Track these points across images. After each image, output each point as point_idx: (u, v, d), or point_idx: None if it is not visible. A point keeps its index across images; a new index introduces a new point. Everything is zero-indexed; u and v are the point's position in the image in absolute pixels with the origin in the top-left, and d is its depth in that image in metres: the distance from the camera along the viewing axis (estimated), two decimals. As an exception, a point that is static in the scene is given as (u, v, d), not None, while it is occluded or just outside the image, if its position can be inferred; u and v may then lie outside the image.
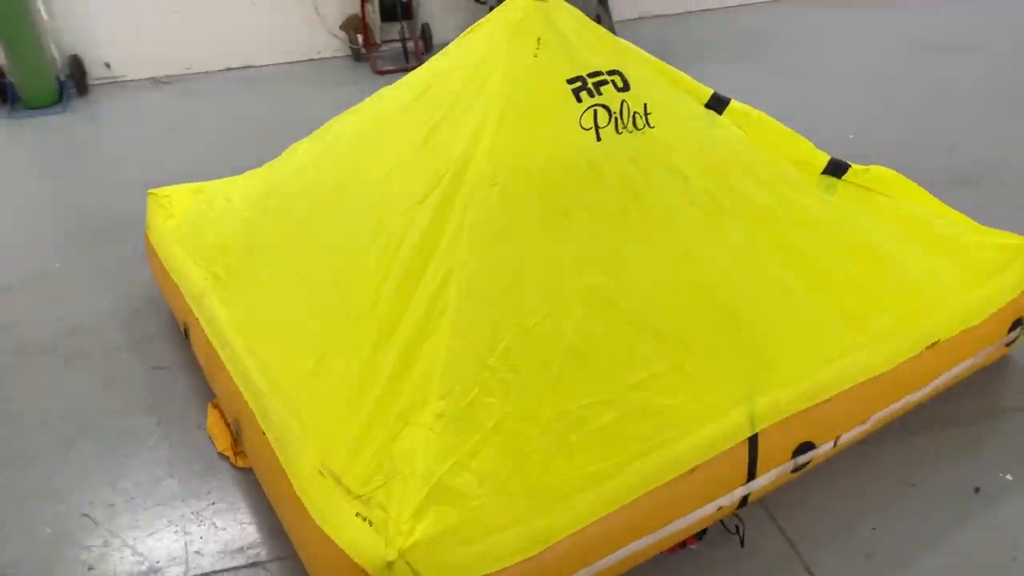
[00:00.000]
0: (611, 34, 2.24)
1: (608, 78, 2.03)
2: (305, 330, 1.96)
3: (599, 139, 1.98)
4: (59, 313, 2.72)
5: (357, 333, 1.82)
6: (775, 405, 1.80)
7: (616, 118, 2.01)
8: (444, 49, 2.25)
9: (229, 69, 4.92)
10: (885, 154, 2.73)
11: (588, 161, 1.96)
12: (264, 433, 1.85)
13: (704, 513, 1.73)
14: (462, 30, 2.22)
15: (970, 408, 2.17)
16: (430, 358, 1.71)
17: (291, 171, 2.43)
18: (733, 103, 2.21)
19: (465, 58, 2.13)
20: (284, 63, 4.98)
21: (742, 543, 1.83)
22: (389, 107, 2.28)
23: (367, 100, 2.40)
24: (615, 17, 5.16)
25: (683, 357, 1.83)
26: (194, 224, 2.56)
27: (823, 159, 2.21)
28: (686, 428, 1.73)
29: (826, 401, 1.85)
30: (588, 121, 1.98)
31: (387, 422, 1.66)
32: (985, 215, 2.35)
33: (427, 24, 5.02)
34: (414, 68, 2.36)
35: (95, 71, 4.70)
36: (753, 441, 1.75)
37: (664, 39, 4.99)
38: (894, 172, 2.28)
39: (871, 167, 2.27)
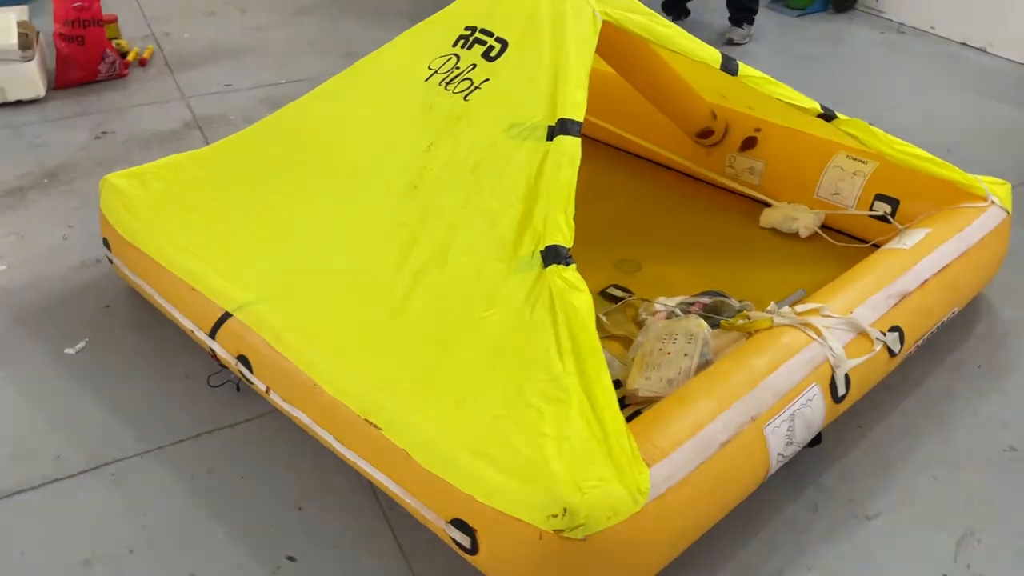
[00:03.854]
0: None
1: (491, 42, 2.17)
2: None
3: (426, 80, 2.21)
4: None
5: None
6: (256, 317, 2.04)
7: (454, 72, 2.18)
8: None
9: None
10: None
11: (410, 88, 2.24)
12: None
13: (185, 323, 2.22)
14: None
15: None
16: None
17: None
18: (566, 139, 1.94)
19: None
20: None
21: (208, 381, 2.23)
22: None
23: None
24: None
25: (272, 244, 2.20)
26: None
27: (549, 241, 1.82)
28: (223, 269, 2.19)
29: (282, 357, 1.96)
30: (437, 63, 2.23)
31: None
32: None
33: None
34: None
35: (867, -1, 4.94)
36: (225, 316, 2.09)
37: None
38: (590, 320, 1.70)
39: (581, 294, 1.74)
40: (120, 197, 2.46)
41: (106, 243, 2.49)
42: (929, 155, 2.42)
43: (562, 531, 1.49)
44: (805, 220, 2.74)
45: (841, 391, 1.93)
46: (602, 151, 3.30)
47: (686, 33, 2.24)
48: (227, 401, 2.19)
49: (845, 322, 1.99)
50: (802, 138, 2.79)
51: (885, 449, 2.08)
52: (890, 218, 2.58)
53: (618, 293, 2.50)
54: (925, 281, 2.16)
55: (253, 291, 2.08)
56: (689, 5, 4.77)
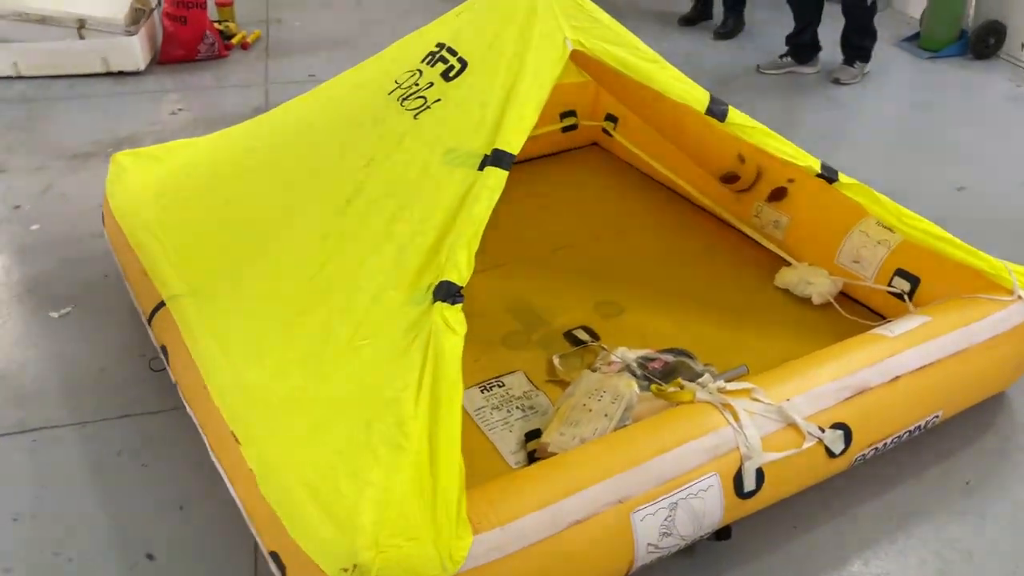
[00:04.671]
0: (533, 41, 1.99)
1: (453, 61, 2.10)
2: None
3: (389, 94, 2.16)
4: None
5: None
6: (181, 309, 2.06)
7: (412, 89, 2.12)
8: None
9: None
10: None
11: (372, 101, 2.19)
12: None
13: (135, 304, 2.28)
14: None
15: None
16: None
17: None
18: (494, 171, 1.82)
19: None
20: None
21: (149, 365, 2.28)
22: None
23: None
24: None
25: (217, 240, 2.21)
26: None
27: (444, 276, 1.72)
28: (172, 257, 2.21)
29: (187, 354, 1.98)
30: (403, 78, 2.18)
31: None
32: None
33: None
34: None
35: (1011, 46, 4.44)
36: (160, 304, 2.13)
37: None
38: (455, 366, 1.60)
39: (454, 337, 1.63)
40: (120, 174, 2.56)
41: (103, 217, 2.59)
42: (945, 234, 2.12)
43: (350, 587, 1.40)
44: (820, 286, 2.48)
45: (749, 486, 1.72)
46: (640, 181, 3.14)
47: (673, 70, 2.06)
48: (161, 387, 2.22)
49: (775, 410, 1.77)
50: (834, 196, 2.47)
51: (813, 558, 1.84)
52: (906, 297, 2.29)
53: (583, 336, 2.35)
54: (897, 377, 1.90)
55: (187, 283, 2.10)
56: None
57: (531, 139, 3.09)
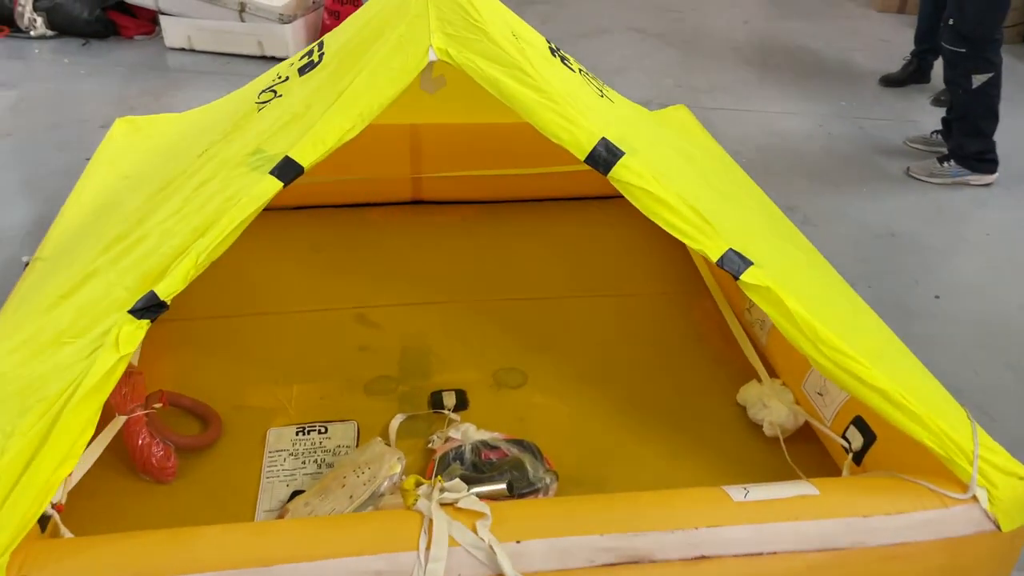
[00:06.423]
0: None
1: (315, 57, 1.89)
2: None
3: (263, 86, 1.98)
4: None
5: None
6: (27, 273, 2.03)
7: (275, 82, 1.93)
8: None
9: None
10: None
11: (251, 92, 2.02)
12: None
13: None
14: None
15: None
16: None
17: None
18: (269, 180, 1.55)
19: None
20: None
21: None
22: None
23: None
24: None
25: (103, 211, 2.14)
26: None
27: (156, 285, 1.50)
28: (77, 218, 2.20)
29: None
30: (283, 72, 2.00)
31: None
32: None
33: None
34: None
35: None
36: (27, 262, 2.12)
37: None
38: (94, 388, 1.37)
39: (112, 355, 1.41)
40: (112, 137, 2.60)
41: (88, 173, 2.66)
42: (883, 383, 1.49)
43: None
44: (774, 414, 1.90)
45: (409, 638, 1.30)
46: (677, 243, 2.65)
47: (572, 108, 1.63)
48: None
49: (484, 548, 1.33)
50: (827, 302, 1.92)
51: None
52: (850, 457, 1.67)
53: (447, 400, 1.99)
54: (703, 557, 1.36)
55: (52, 249, 2.05)
56: None
57: (562, 176, 2.82)
